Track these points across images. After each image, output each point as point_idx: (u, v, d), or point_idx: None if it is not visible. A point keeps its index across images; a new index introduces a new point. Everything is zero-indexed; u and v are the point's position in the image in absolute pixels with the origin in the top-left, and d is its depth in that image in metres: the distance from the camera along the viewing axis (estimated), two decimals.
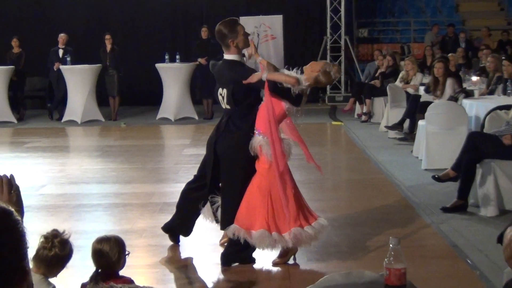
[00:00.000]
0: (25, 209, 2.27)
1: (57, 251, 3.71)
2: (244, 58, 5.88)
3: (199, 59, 15.12)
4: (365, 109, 14.68)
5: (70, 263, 3.85)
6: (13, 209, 1.70)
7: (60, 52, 15.86)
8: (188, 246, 6.32)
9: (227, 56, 5.78)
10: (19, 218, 1.69)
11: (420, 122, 10.24)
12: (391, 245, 2.91)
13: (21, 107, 16.34)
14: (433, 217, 7.07)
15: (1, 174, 2.24)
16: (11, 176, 2.25)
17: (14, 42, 16.02)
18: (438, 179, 7.60)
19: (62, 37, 15.93)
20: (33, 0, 18.43)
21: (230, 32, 5.70)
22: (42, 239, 3.76)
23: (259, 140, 5.52)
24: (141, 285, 2.14)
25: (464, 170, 7.26)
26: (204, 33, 15.48)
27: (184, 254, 6.19)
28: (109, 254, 3.93)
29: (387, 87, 13.18)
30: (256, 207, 5.54)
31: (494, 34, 19.06)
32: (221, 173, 5.77)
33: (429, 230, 6.72)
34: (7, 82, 15.67)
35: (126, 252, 4.00)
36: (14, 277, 1.64)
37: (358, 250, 6.12)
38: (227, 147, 5.69)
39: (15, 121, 15.68)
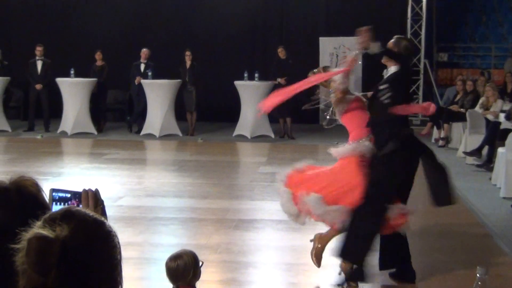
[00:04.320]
0: None
1: None
2: None
3: (279, 79, 15.12)
4: (443, 134, 14.49)
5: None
6: (105, 220, 1.72)
7: (142, 66, 16.18)
8: (262, 264, 6.35)
9: None
10: (111, 229, 1.70)
11: (500, 150, 10.06)
12: (478, 275, 2.83)
13: (102, 119, 16.75)
14: None
15: (87, 188, 2.22)
16: (96, 190, 2.23)
17: (98, 55, 16.43)
18: None
19: (144, 51, 16.24)
20: (117, 15, 18.85)
21: None
22: None
23: None
24: None
25: None
26: (280, 53, 15.56)
27: (258, 272, 6.22)
28: (185, 270, 3.92)
29: (467, 113, 12.99)
30: None
31: None
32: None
33: (507, 260, 6.58)
34: (89, 94, 16.07)
35: (200, 264, 3.98)
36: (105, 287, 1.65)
37: (434, 277, 6.04)
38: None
39: (95, 132, 16.07)
